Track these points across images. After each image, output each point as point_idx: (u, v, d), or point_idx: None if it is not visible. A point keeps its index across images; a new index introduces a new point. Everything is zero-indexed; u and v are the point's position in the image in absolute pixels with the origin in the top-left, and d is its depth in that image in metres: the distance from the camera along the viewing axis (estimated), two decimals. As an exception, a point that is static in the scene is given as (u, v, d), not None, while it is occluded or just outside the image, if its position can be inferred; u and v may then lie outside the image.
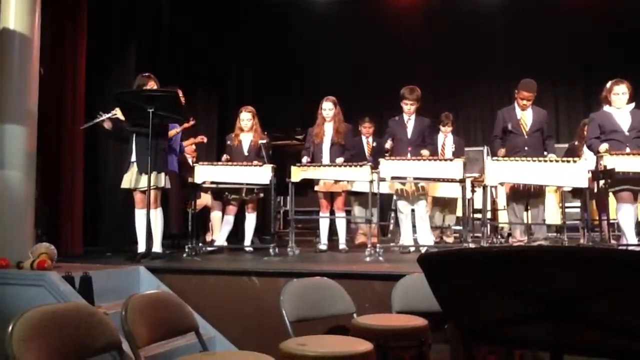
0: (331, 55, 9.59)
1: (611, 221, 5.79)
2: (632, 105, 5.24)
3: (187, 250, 5.32)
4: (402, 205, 5.70)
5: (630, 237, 5.00)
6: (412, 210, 5.71)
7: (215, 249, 5.87)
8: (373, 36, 9.49)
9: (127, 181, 5.07)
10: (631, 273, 1.11)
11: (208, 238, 6.61)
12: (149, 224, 4.92)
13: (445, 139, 6.74)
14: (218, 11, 8.42)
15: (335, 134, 5.96)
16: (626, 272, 1.11)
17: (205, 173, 5.58)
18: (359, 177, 5.49)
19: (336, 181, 5.82)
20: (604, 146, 5.01)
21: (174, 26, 7.84)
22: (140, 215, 5.04)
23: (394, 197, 6.80)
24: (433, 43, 9.40)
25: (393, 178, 5.39)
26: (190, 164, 6.16)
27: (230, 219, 5.95)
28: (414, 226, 5.78)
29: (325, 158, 5.94)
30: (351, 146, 6.19)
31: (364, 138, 7.00)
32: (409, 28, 9.22)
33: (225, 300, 4.21)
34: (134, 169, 5.04)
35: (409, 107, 5.75)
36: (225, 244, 5.96)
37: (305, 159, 5.78)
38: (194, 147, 6.92)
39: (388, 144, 5.71)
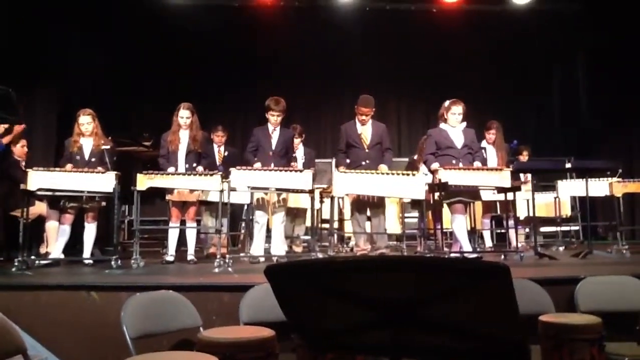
0: (184, 60, 9.35)
1: (444, 230, 6.29)
2: (464, 124, 5.75)
3: (16, 263, 4.86)
4: (259, 215, 5.69)
5: (465, 245, 5.47)
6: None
7: (51, 262, 5.42)
8: (230, 44, 9.45)
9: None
10: (465, 278, 1.19)
11: (42, 250, 6.08)
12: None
13: (296, 150, 6.87)
14: (65, 4, 7.84)
15: (192, 142, 5.84)
16: (461, 278, 1.20)
17: (40, 179, 5.14)
18: (209, 186, 5.40)
19: (191, 190, 5.67)
20: (434, 165, 5.48)
21: (13, 19, 7.15)
22: (-40, 225, 4.51)
23: (245, 207, 6.80)
24: (288, 56, 9.58)
25: (253, 188, 5.37)
26: (22, 168, 5.64)
27: (66, 228, 5.53)
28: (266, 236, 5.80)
29: (181, 166, 5.79)
30: (207, 154, 6.09)
31: (215, 146, 6.93)
32: (267, 39, 9.31)
33: (61, 318, 3.87)
34: (-46, 174, 4.51)
35: (275, 119, 5.77)
36: (62, 256, 5.53)
37: (171, 169, 5.63)
38: (25, 149, 6.33)
39: (257, 165, 5.57)
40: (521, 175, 7.02)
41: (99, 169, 5.41)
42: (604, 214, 8.41)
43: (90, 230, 5.55)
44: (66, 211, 5.52)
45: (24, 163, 6.18)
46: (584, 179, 6.16)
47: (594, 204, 7.50)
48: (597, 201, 7.63)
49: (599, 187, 6.63)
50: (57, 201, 5.62)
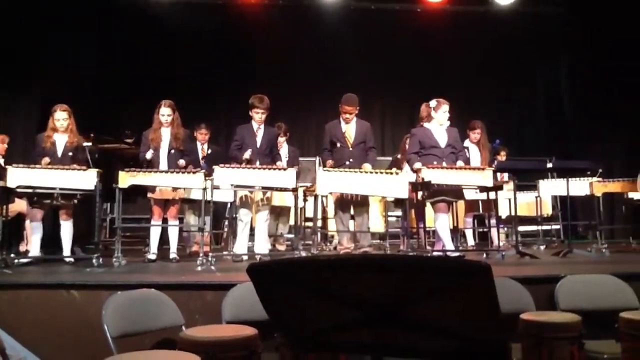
0: (168, 58, 9.27)
1: (427, 229, 6.32)
2: (448, 123, 5.77)
3: (-5, 262, 4.80)
4: (244, 214, 5.66)
5: (448, 244, 5.50)
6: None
7: (31, 260, 5.35)
8: (213, 42, 9.39)
9: None
10: (447, 277, 1.20)
11: (22, 248, 6.00)
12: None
13: (280, 149, 6.85)
14: (52, 6, 7.75)
15: (174, 140, 5.80)
16: (443, 277, 1.20)
17: (20, 176, 5.07)
18: (192, 184, 5.37)
19: (174, 188, 5.63)
20: (417, 165, 5.48)
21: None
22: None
23: (228, 205, 6.77)
24: (272, 54, 9.53)
25: (237, 186, 5.35)
26: (2, 164, 5.55)
27: (38, 225, 5.44)
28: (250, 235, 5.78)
29: (163, 164, 5.73)
30: (190, 152, 6.05)
31: (198, 144, 6.89)
32: (251, 37, 9.28)
33: (41, 317, 3.82)
34: None
35: (259, 116, 5.75)
36: (40, 253, 5.44)
37: (149, 154, 5.60)
38: (5, 145, 6.24)
39: (247, 154, 5.55)
40: (497, 174, 7.08)
41: (75, 166, 5.33)
42: (584, 213, 8.50)
43: (66, 228, 5.47)
44: (37, 207, 5.44)
45: (2, 160, 6.09)
46: (565, 179, 6.23)
47: (574, 203, 7.58)
48: (578, 200, 7.72)
49: (579, 187, 6.71)
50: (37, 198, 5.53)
